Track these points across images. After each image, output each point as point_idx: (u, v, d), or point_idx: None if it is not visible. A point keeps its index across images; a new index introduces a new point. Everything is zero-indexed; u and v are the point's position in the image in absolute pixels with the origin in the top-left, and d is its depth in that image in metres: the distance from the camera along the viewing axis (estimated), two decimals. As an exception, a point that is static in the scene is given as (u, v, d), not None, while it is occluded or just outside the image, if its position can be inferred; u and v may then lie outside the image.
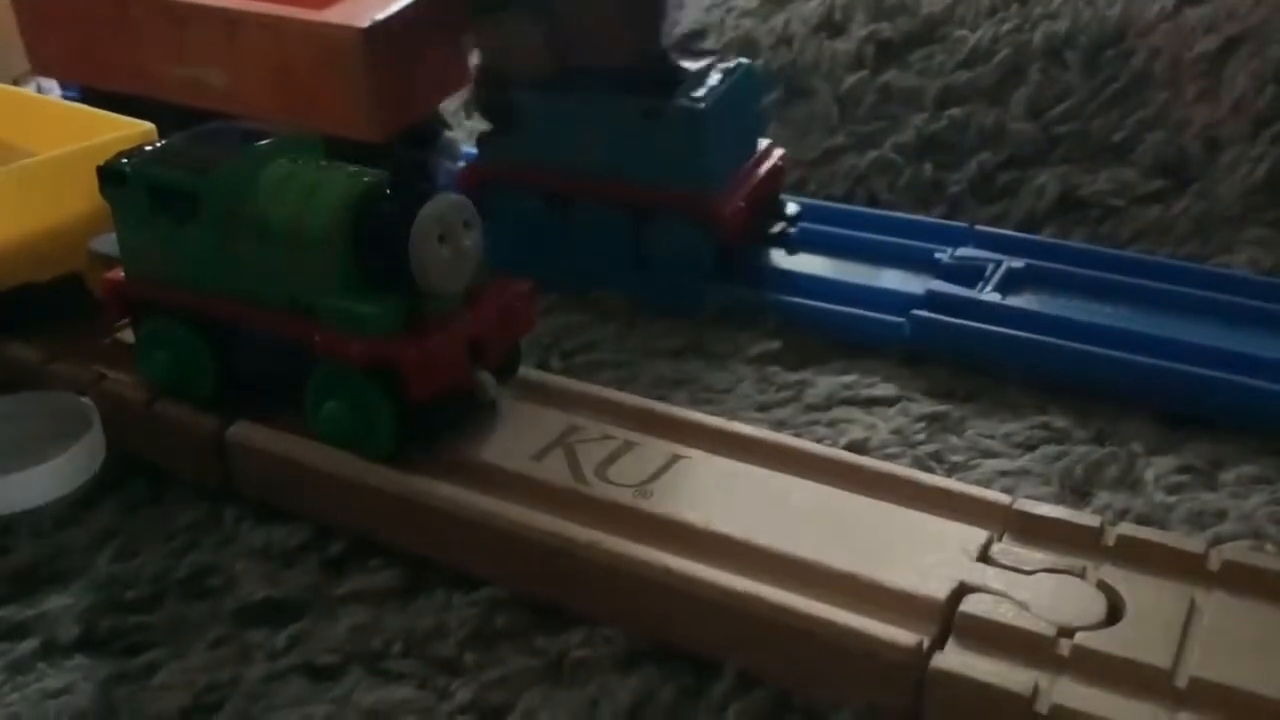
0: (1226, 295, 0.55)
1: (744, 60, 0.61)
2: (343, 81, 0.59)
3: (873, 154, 0.68)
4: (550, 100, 0.59)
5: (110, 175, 0.48)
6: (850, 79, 0.71)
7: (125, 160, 0.48)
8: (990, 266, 0.58)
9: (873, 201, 0.67)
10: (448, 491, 0.44)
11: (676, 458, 0.45)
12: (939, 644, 0.37)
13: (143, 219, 0.48)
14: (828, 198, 0.67)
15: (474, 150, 0.64)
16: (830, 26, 0.73)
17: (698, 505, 0.42)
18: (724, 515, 0.42)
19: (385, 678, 0.40)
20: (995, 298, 0.56)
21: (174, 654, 0.41)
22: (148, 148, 0.49)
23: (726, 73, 0.59)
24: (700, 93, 0.57)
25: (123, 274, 0.50)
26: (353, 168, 0.46)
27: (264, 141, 0.48)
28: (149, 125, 0.56)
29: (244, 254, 0.46)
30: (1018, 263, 0.58)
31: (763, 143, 0.63)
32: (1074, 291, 0.57)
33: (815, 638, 0.37)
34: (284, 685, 0.40)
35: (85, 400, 0.50)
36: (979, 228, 0.62)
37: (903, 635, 0.37)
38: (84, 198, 0.50)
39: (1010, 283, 0.57)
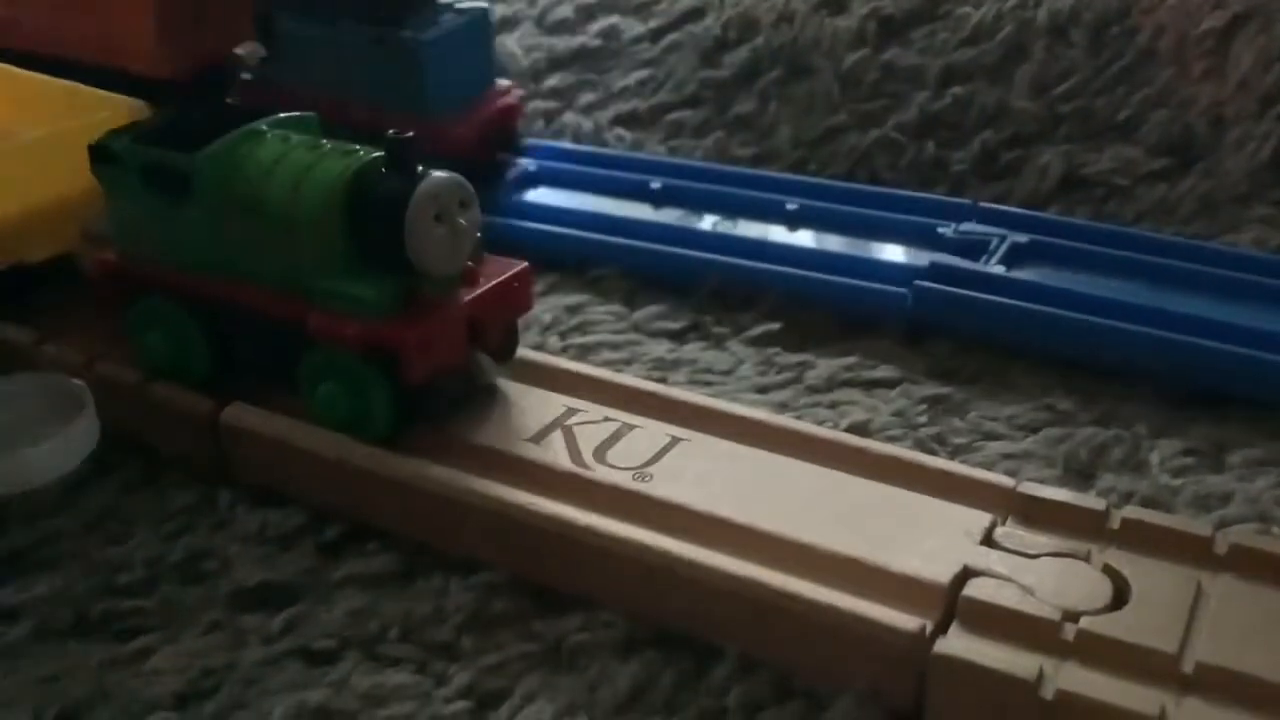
0: (1232, 271, 0.55)
1: (482, 4, 0.65)
2: (134, 17, 0.62)
3: (875, 133, 0.68)
4: (303, 26, 0.64)
5: (101, 153, 0.48)
6: (852, 57, 0.70)
7: (116, 138, 0.48)
8: (994, 241, 0.58)
9: (875, 181, 0.67)
10: (445, 475, 0.43)
11: (676, 440, 0.44)
12: (942, 628, 0.37)
13: (134, 198, 0.47)
14: (830, 177, 0.67)
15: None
16: (831, 4, 0.73)
17: (698, 488, 0.42)
18: (725, 498, 0.41)
19: (382, 662, 0.40)
20: (999, 270, 0.56)
21: (168, 638, 0.41)
22: (140, 125, 0.49)
23: (460, 13, 0.63)
24: (426, 27, 0.61)
25: (114, 254, 0.49)
26: (349, 146, 0.45)
27: (259, 119, 0.47)
28: (141, 102, 0.55)
29: (237, 234, 0.46)
30: (1022, 237, 0.58)
31: (503, 83, 0.67)
32: (1078, 266, 0.57)
33: (817, 622, 0.37)
34: (279, 670, 0.40)
35: (78, 383, 0.49)
36: (983, 204, 0.61)
37: (905, 620, 0.36)
38: (77, 176, 0.49)
39: (1014, 257, 0.57)
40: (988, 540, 0.40)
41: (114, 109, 0.55)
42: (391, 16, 0.62)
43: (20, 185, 0.52)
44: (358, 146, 0.45)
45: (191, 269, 0.47)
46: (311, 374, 0.45)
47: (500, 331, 0.47)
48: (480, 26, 0.65)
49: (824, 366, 0.53)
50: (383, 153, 0.44)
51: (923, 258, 0.57)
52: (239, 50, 0.68)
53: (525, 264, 0.48)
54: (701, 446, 0.44)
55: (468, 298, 0.45)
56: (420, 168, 0.44)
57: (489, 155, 0.66)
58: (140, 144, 0.47)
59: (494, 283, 0.46)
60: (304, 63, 0.64)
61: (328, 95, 0.62)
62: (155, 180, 0.46)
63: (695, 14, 0.76)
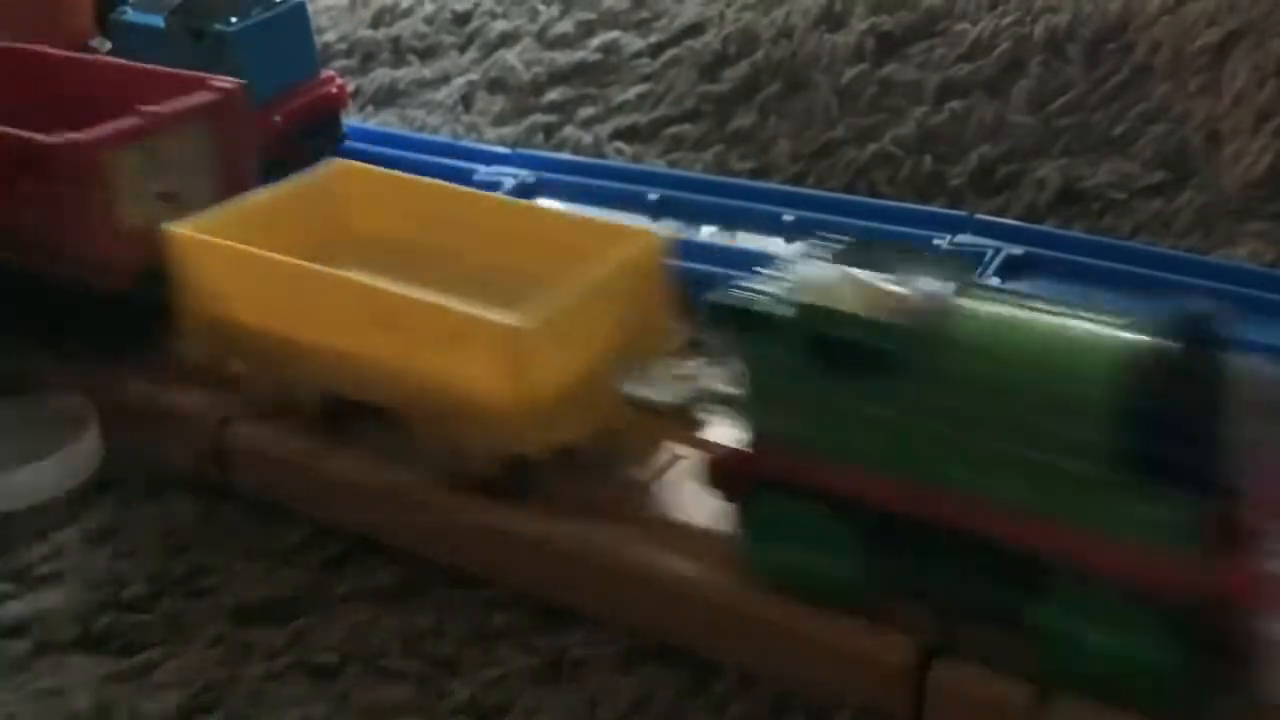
0: (1228, 285, 0.55)
1: None
2: None
3: (873, 147, 0.68)
4: (138, 19, 0.68)
5: (748, 318, 0.37)
6: (850, 72, 0.71)
7: (768, 297, 0.37)
8: (989, 253, 0.58)
9: (873, 195, 0.67)
10: (446, 490, 0.43)
11: (678, 458, 0.45)
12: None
13: (794, 375, 0.37)
14: (829, 191, 0.67)
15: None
16: (830, 19, 0.73)
17: (699, 505, 0.42)
18: (725, 516, 0.42)
19: (384, 677, 0.40)
20: (994, 283, 0.56)
21: (172, 653, 0.41)
22: (786, 282, 0.37)
23: (269, 6, 0.66)
24: (236, 20, 0.65)
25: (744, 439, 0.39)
26: (1089, 308, 0.35)
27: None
28: (666, 233, 0.46)
29: (947, 425, 0.35)
30: (1017, 250, 0.58)
31: (327, 73, 0.70)
32: (1074, 279, 0.57)
33: (816, 640, 0.37)
34: (282, 684, 0.40)
35: (82, 399, 0.50)
36: (978, 216, 0.62)
37: (904, 638, 0.37)
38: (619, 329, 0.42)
39: (1009, 269, 0.57)
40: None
41: (632, 242, 0.45)
42: (213, 11, 0.65)
43: (579, 344, 0.41)
44: (1115, 315, 0.34)
45: (869, 467, 0.36)
46: (1058, 624, 0.34)
47: None
48: (295, 19, 0.68)
49: (822, 381, 0.54)
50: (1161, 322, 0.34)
51: (920, 271, 0.58)
52: (92, 43, 0.71)
53: None
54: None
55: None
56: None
57: (302, 140, 0.67)
58: (814, 310, 0.36)
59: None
60: (141, 54, 0.67)
61: None
62: (836, 357, 0.36)
63: (695, 29, 0.76)
